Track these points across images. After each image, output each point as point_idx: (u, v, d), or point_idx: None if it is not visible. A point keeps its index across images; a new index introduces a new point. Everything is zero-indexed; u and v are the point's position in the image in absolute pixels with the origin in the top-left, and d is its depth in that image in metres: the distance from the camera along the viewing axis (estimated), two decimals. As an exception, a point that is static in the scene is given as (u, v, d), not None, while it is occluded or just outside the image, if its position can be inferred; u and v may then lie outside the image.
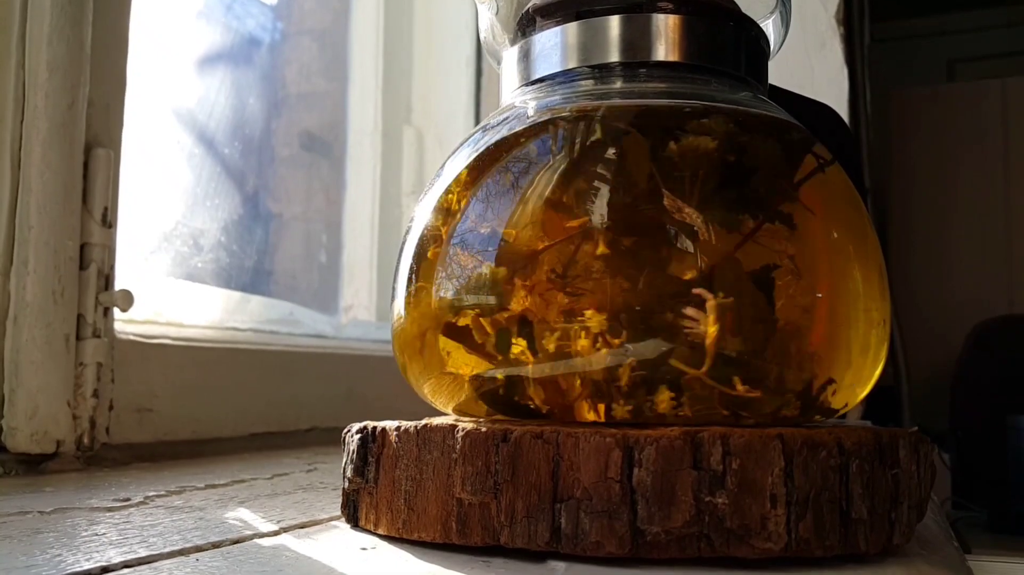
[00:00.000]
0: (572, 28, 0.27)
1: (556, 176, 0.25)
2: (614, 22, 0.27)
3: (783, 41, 0.31)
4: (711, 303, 0.23)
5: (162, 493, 0.33)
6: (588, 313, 0.23)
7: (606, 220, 0.24)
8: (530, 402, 0.24)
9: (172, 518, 0.28)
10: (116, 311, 0.44)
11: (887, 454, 0.22)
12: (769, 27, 0.31)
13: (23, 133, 0.40)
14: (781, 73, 0.32)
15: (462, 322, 0.25)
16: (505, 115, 0.28)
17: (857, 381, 0.25)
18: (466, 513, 0.22)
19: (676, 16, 0.27)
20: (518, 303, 0.24)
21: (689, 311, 0.23)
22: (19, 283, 0.39)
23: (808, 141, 0.27)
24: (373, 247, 0.83)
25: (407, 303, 0.27)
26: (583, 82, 0.27)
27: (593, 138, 0.25)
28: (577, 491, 0.21)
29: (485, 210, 0.25)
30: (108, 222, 0.43)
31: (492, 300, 0.24)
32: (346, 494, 0.26)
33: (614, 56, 0.27)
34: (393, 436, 0.24)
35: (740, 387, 0.23)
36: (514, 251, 0.24)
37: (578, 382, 0.23)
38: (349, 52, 0.85)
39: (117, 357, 0.44)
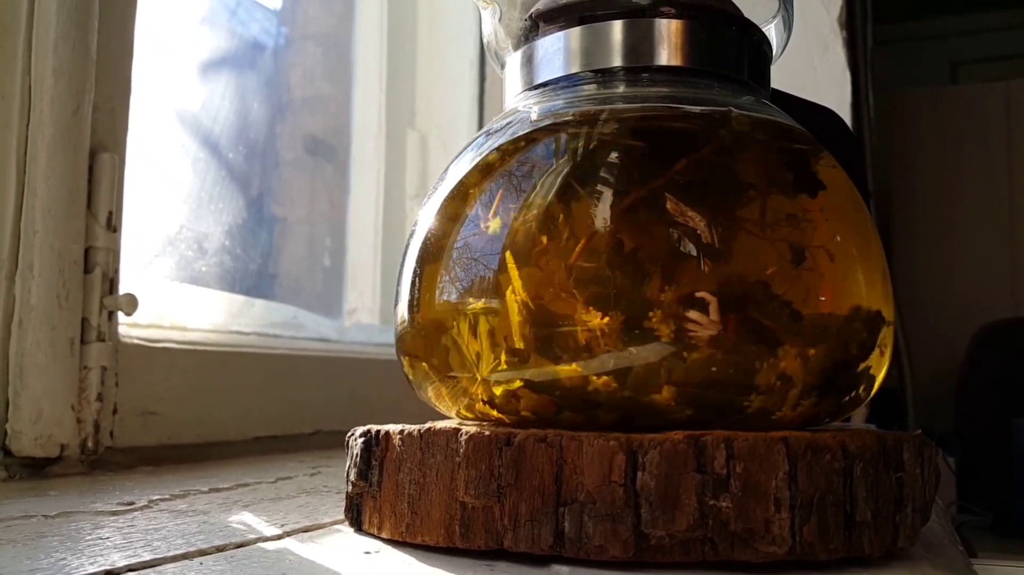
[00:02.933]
0: (575, 33, 0.27)
1: (559, 180, 0.25)
2: (617, 27, 0.27)
3: (785, 45, 0.31)
4: (714, 307, 0.23)
5: (166, 497, 0.33)
6: (591, 317, 0.23)
7: (609, 224, 0.24)
8: (534, 405, 0.24)
9: (176, 522, 0.28)
10: (120, 315, 0.44)
11: (891, 457, 0.22)
12: (771, 31, 0.31)
13: (28, 137, 0.40)
14: (783, 77, 0.32)
15: (465, 325, 0.25)
16: (508, 119, 0.28)
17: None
18: (469, 517, 0.22)
19: (678, 21, 0.27)
20: (522, 306, 0.24)
21: (692, 315, 0.23)
22: (24, 287, 0.39)
23: (811, 144, 0.27)
24: (377, 251, 0.83)
25: (411, 307, 0.27)
26: (586, 87, 0.27)
27: (596, 142, 0.25)
28: (581, 495, 0.21)
29: (488, 214, 0.25)
30: (112, 226, 0.43)
31: (495, 304, 0.24)
32: (349, 498, 0.26)
33: (617, 61, 0.27)
34: (396, 440, 0.24)
35: (742, 391, 0.23)
36: (517, 255, 0.24)
37: (581, 385, 0.23)
38: (353, 56, 0.85)
39: (121, 361, 0.44)
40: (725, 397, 0.23)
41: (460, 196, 0.27)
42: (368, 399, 0.65)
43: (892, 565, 0.22)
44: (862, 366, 0.25)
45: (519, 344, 0.24)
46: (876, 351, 0.25)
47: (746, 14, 0.28)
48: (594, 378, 0.23)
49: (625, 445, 0.21)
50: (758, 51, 0.29)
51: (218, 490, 0.35)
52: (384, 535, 0.24)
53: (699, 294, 0.23)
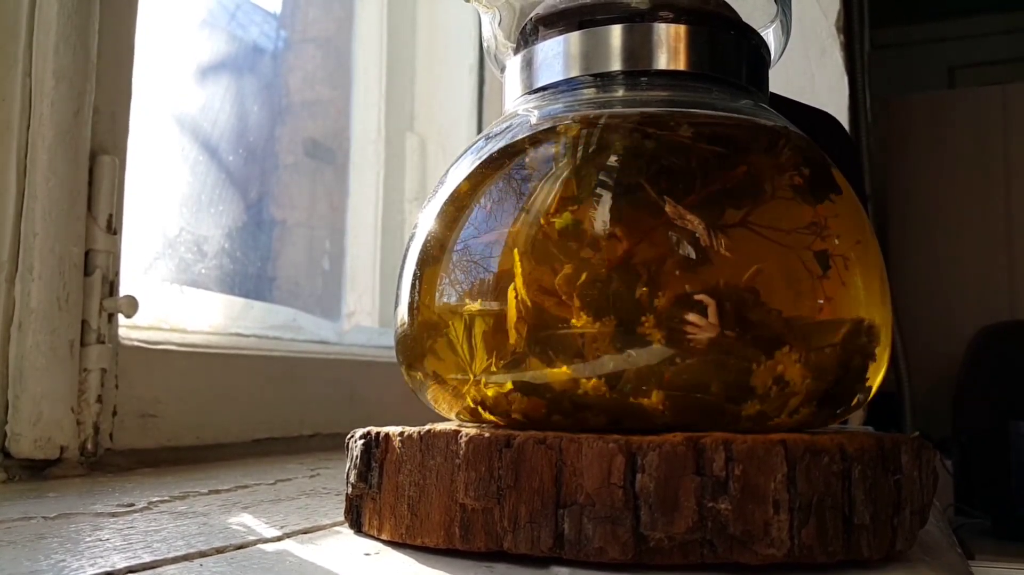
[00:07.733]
0: (574, 37, 0.27)
1: (558, 184, 0.25)
2: (616, 31, 0.27)
3: (783, 49, 0.32)
4: (712, 310, 0.23)
5: (166, 498, 0.33)
6: (590, 320, 0.23)
7: (608, 227, 0.24)
8: (532, 408, 0.24)
9: (176, 523, 0.28)
10: (120, 317, 0.44)
11: (889, 460, 0.22)
12: (769, 35, 0.31)
13: (29, 140, 0.40)
14: (782, 81, 0.32)
15: (464, 328, 0.25)
16: (508, 123, 0.28)
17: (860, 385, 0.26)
18: (469, 518, 0.22)
19: (677, 25, 0.27)
20: (521, 310, 0.24)
21: (691, 318, 0.23)
22: (24, 289, 0.39)
23: (809, 148, 0.27)
24: (376, 253, 0.83)
25: (410, 309, 0.27)
26: (585, 90, 0.27)
27: (595, 146, 0.25)
28: (580, 497, 0.21)
29: (488, 218, 0.26)
30: (113, 229, 0.43)
31: (495, 307, 0.24)
32: (349, 499, 0.26)
33: (616, 65, 0.27)
34: (396, 442, 0.24)
35: (741, 394, 0.23)
36: (516, 258, 0.24)
37: (580, 388, 0.24)
38: (353, 60, 0.85)
39: (121, 363, 0.44)
40: (720, 403, 0.23)
41: (460, 199, 0.27)
42: (367, 401, 0.65)
43: (890, 568, 0.22)
44: (860, 370, 0.25)
45: (517, 347, 0.24)
46: (874, 355, 0.25)
47: (744, 18, 0.28)
48: (595, 381, 0.23)
49: (624, 447, 0.21)
50: (756, 55, 0.29)
51: (218, 492, 0.35)
52: (384, 537, 0.25)
53: (697, 297, 0.23)
